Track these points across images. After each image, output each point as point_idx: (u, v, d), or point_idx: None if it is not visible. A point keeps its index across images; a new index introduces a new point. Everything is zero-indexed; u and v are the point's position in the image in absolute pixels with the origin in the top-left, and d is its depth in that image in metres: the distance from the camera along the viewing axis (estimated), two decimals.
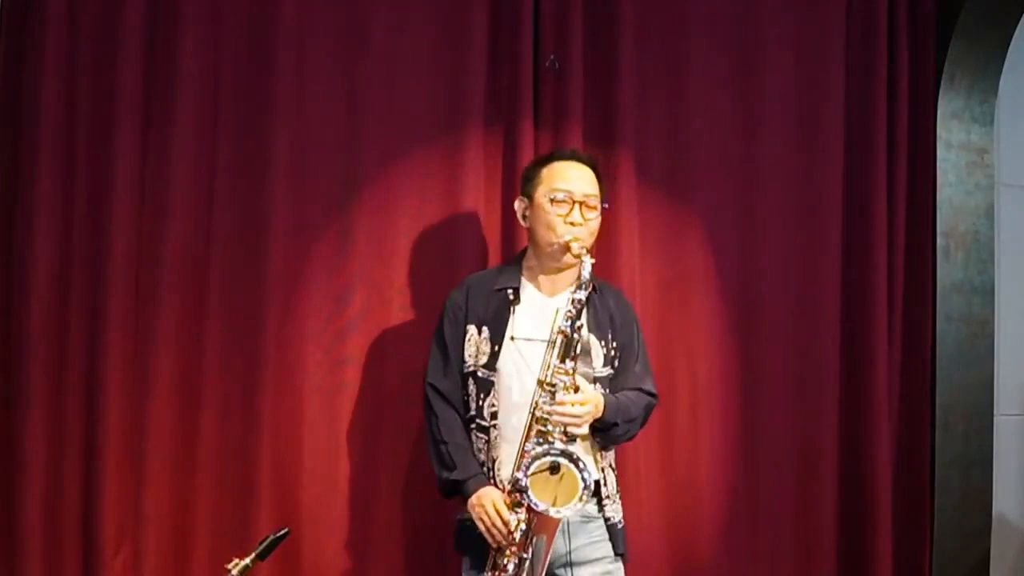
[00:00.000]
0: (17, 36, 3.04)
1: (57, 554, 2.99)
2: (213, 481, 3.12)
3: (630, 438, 2.90)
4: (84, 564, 3.02)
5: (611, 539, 2.80)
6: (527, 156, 3.34)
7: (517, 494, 2.60)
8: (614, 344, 2.85)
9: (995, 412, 3.94)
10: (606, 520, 2.80)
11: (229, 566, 2.54)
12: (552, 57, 3.39)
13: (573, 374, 2.65)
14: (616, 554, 2.80)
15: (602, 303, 2.86)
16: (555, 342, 2.65)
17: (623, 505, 2.87)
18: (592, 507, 2.78)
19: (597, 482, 2.76)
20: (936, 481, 3.77)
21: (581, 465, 2.58)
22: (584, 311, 2.68)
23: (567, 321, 2.65)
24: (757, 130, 3.63)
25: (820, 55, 3.71)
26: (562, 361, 2.64)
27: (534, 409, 2.64)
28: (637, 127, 3.48)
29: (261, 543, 2.60)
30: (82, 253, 3.04)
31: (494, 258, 3.34)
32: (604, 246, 3.38)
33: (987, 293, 3.91)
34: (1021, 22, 3.90)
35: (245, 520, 3.10)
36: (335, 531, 3.19)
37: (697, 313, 3.54)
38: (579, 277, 2.67)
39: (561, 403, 2.62)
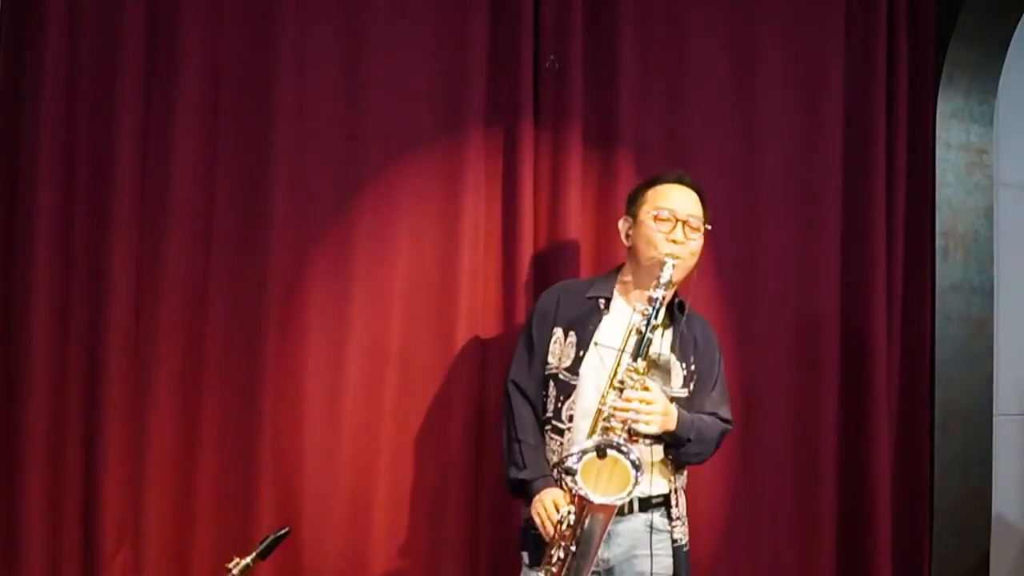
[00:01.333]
0: (17, 36, 3.04)
1: (57, 554, 2.99)
2: (213, 481, 3.12)
3: (703, 460, 2.90)
4: (84, 564, 3.01)
5: (675, 561, 2.81)
6: (527, 156, 3.35)
7: (570, 485, 2.59)
8: (693, 367, 2.86)
9: (994, 412, 3.95)
10: (674, 541, 2.82)
11: (230, 565, 2.55)
12: (552, 57, 3.39)
13: (644, 373, 2.65)
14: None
15: (688, 329, 2.88)
16: (627, 339, 2.67)
17: None
18: (662, 520, 2.80)
19: (667, 497, 2.80)
20: (936, 481, 3.77)
21: (625, 449, 2.56)
22: (660, 313, 2.67)
23: (642, 319, 2.66)
24: (757, 130, 3.64)
25: (820, 55, 3.71)
26: (633, 359, 2.64)
27: (601, 406, 2.65)
28: (637, 127, 3.48)
29: (261, 543, 2.61)
30: (82, 253, 3.03)
31: (494, 257, 3.34)
32: (604, 245, 3.39)
33: (986, 293, 3.91)
34: (1021, 22, 3.90)
35: (245, 520, 3.09)
36: (335, 531, 3.19)
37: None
38: (658, 277, 2.68)
39: (628, 399, 2.62)
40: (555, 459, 2.78)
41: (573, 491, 2.54)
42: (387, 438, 3.24)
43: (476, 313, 3.31)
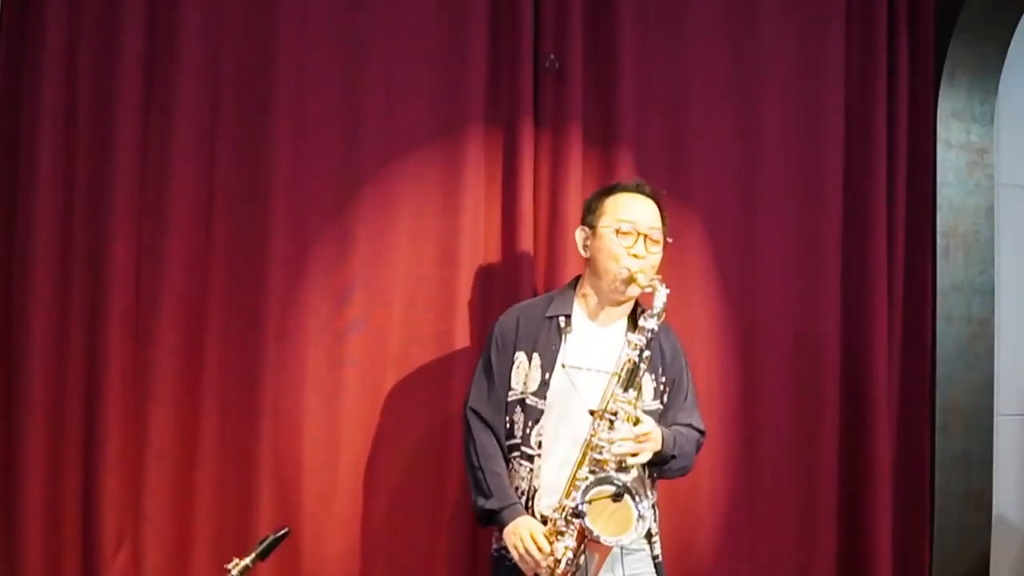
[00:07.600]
0: (17, 36, 3.04)
1: (57, 554, 2.99)
2: (213, 481, 3.12)
3: (683, 474, 2.86)
4: (84, 564, 3.02)
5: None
6: (527, 156, 3.35)
7: (563, 523, 2.56)
8: (663, 379, 2.82)
9: (995, 412, 3.94)
10: (654, 558, 2.77)
11: (229, 566, 2.54)
12: (552, 57, 3.39)
13: (635, 405, 2.62)
14: None
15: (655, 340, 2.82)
16: (620, 371, 2.62)
17: None
18: (641, 541, 2.73)
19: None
20: (936, 481, 3.77)
21: (638, 499, 2.55)
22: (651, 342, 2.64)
23: (635, 350, 2.62)
24: (757, 130, 3.63)
25: (820, 55, 3.71)
26: (624, 390, 2.61)
27: (591, 437, 2.60)
28: (637, 127, 3.48)
29: (261, 543, 2.60)
30: (82, 253, 3.04)
31: (493, 257, 3.34)
32: None
33: (987, 293, 3.91)
34: (1021, 22, 3.90)
35: (245, 520, 3.10)
36: (335, 531, 3.19)
37: (697, 313, 3.53)
38: (652, 306, 2.65)
39: (624, 438, 2.58)
40: (524, 485, 2.72)
41: (586, 532, 2.49)
42: (387, 438, 3.24)
43: (475, 313, 3.30)
